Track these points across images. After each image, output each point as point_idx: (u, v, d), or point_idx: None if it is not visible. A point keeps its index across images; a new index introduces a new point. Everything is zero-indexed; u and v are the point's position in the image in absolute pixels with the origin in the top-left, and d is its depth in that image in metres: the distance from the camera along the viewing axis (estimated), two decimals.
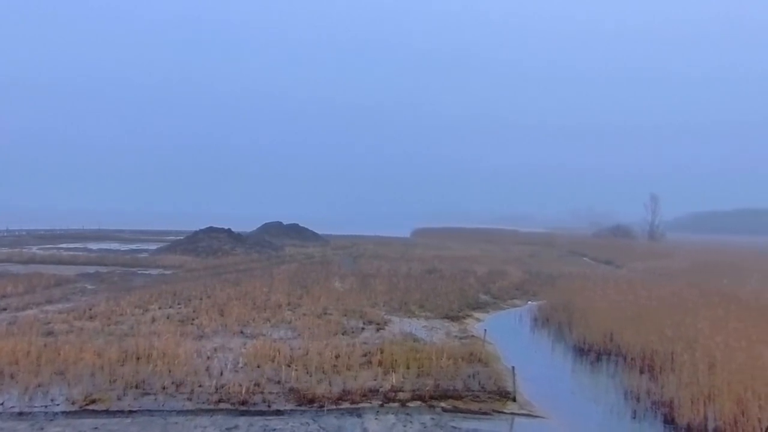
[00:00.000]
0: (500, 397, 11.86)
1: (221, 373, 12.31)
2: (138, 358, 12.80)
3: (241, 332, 16.54)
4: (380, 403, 11.08)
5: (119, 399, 10.63)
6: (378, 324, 18.57)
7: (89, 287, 25.03)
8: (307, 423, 9.99)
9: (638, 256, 52.64)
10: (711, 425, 10.39)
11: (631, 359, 15.00)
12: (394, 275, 31.75)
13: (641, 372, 13.96)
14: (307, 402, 10.90)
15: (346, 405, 10.88)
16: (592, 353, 16.70)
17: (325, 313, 19.72)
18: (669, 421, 11.04)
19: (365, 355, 13.99)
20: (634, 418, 11.57)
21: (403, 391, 11.63)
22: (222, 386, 11.36)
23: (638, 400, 12.35)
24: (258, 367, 12.88)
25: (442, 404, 11.24)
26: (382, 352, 13.93)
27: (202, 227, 50.67)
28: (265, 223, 71.47)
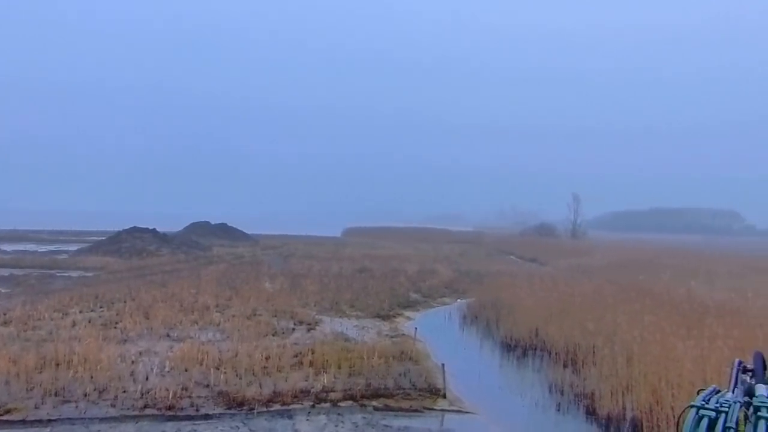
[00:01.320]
0: (431, 394, 12.04)
1: (147, 378, 11.95)
2: (57, 365, 12.26)
3: (168, 335, 16.10)
4: (312, 403, 11.04)
5: (37, 408, 10.15)
6: (309, 324, 18.47)
7: (3, 291, 23.75)
8: (236, 426, 9.84)
9: (561, 253, 54.49)
10: (629, 415, 10.90)
11: (556, 354, 15.53)
12: (324, 275, 31.62)
13: (565, 366, 14.48)
14: (236, 405, 10.74)
15: (276, 407, 10.79)
16: (518, 349, 17.19)
17: (255, 314, 19.43)
18: (591, 412, 11.53)
19: (296, 356, 13.89)
20: (559, 410, 12.01)
21: (334, 391, 11.62)
22: (148, 391, 11.03)
23: (562, 393, 12.82)
24: (185, 370, 12.56)
25: (374, 403, 11.30)
26: (313, 353, 13.87)
27: (126, 227, 48.91)
28: (192, 223, 69.67)
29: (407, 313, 22.45)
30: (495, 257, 56.34)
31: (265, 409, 10.65)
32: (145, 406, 10.44)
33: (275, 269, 34.49)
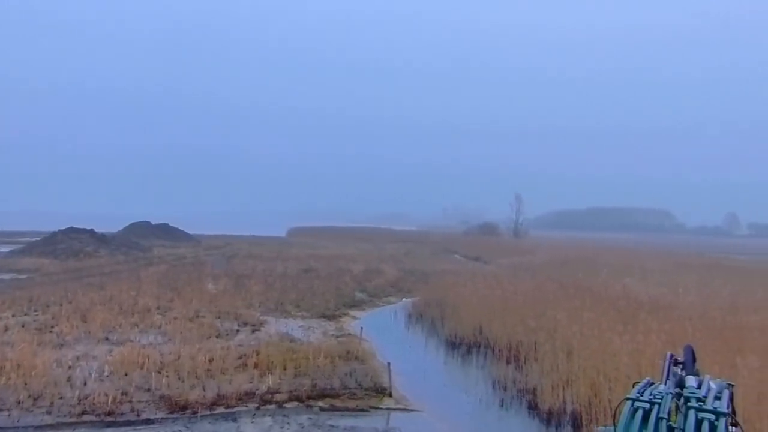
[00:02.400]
0: (377, 393, 12.10)
1: (84, 383, 11.58)
2: None
3: (107, 339, 15.63)
4: (257, 405, 10.93)
5: None
6: (253, 325, 18.26)
7: None
8: (179, 431, 9.66)
9: (504, 252, 55.50)
10: (569, 408, 11.24)
11: (499, 350, 15.84)
12: (269, 275, 31.31)
13: (508, 362, 14.77)
14: (179, 409, 10.53)
15: (220, 410, 10.64)
16: (463, 346, 17.44)
17: (198, 316, 19.08)
18: (533, 407, 11.82)
19: (240, 358, 13.72)
20: (502, 406, 12.27)
21: (280, 393, 11.54)
22: (86, 397, 10.70)
23: (505, 389, 13.09)
24: (125, 374, 12.24)
25: (320, 403, 11.29)
26: (257, 354, 13.73)
27: (62, 227, 47.16)
28: (132, 223, 67.69)
29: (353, 313, 22.47)
30: (439, 256, 56.93)
31: (208, 413, 10.48)
32: (83, 413, 10.13)
33: (218, 270, 33.91)
